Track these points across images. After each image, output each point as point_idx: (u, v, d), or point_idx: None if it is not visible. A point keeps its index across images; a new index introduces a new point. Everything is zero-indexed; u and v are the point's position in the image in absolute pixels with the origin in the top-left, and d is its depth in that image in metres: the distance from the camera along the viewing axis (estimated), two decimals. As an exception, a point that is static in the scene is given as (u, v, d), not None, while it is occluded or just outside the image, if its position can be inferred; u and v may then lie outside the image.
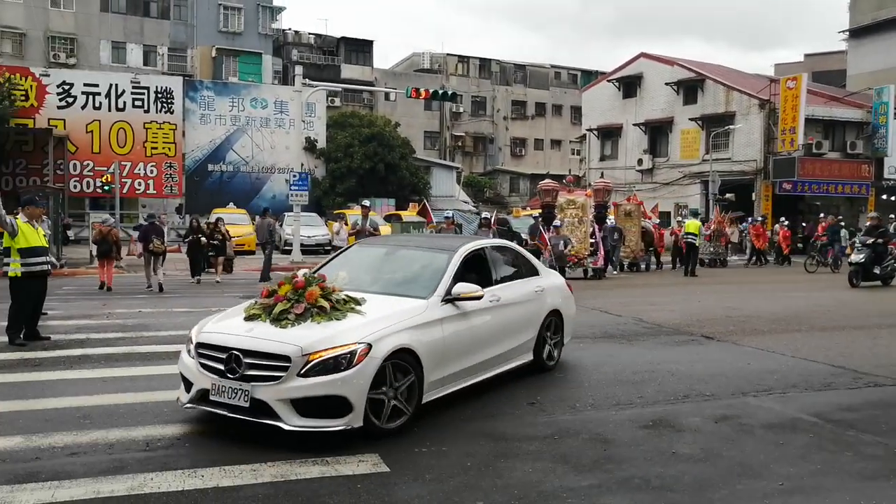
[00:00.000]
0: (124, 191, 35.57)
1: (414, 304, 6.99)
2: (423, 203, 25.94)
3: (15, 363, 9.19)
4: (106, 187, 31.98)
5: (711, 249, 29.15)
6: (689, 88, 42.95)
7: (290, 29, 59.66)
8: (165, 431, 6.51)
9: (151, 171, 38.69)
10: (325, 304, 6.63)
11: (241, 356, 6.17)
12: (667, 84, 43.50)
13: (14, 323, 10.50)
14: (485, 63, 65.82)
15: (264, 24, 53.64)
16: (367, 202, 18.42)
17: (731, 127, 39.22)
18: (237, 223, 29.61)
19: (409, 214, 32.30)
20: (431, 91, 29.13)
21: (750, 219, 31.74)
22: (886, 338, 12.11)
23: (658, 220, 30.34)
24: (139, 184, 38.41)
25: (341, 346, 6.16)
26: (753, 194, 39.24)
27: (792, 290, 19.80)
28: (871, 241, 21.00)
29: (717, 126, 40.15)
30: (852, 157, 40.09)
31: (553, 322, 9.15)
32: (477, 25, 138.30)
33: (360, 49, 59.51)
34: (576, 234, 23.05)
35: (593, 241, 23.47)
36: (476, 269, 8.09)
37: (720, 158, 39.36)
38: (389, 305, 6.93)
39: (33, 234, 10.58)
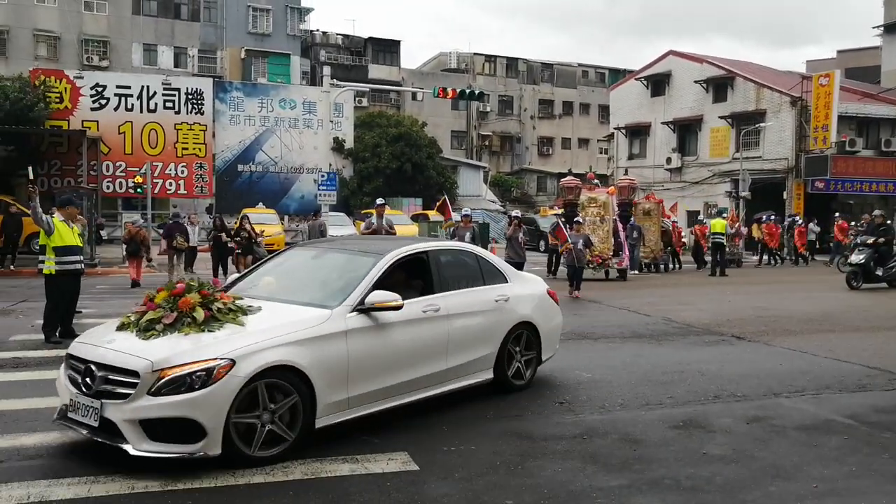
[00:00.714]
0: (156, 191, 35.83)
1: (312, 315, 6.18)
2: (443, 199, 25.57)
3: (52, 360, 9.29)
4: (138, 188, 32.35)
5: (728, 249, 27.95)
6: (719, 86, 42.52)
7: (317, 30, 59.91)
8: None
9: (182, 172, 39.12)
10: (201, 313, 5.93)
11: (95, 370, 5.60)
12: (696, 82, 43.11)
13: (50, 321, 10.73)
14: (512, 62, 65.66)
15: (292, 25, 53.90)
16: (382, 200, 17.73)
17: (761, 125, 38.77)
18: (266, 223, 29.75)
19: (437, 214, 32.30)
20: (458, 90, 29.13)
21: (764, 217, 31.09)
22: (922, 338, 11.93)
23: (677, 219, 29.73)
24: (170, 184, 38.82)
25: (198, 361, 5.45)
26: (785, 193, 38.77)
27: (825, 290, 19.54)
28: (872, 240, 20.08)
29: (747, 124, 39.70)
30: (887, 154, 39.38)
31: (524, 336, 8.07)
32: (502, 25, 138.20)
33: (388, 49, 59.60)
34: (597, 233, 22.38)
35: (617, 240, 22.96)
36: (416, 275, 7.43)
37: (750, 157, 38.92)
38: (282, 316, 6.19)
39: (69, 233, 10.78)
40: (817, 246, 32.21)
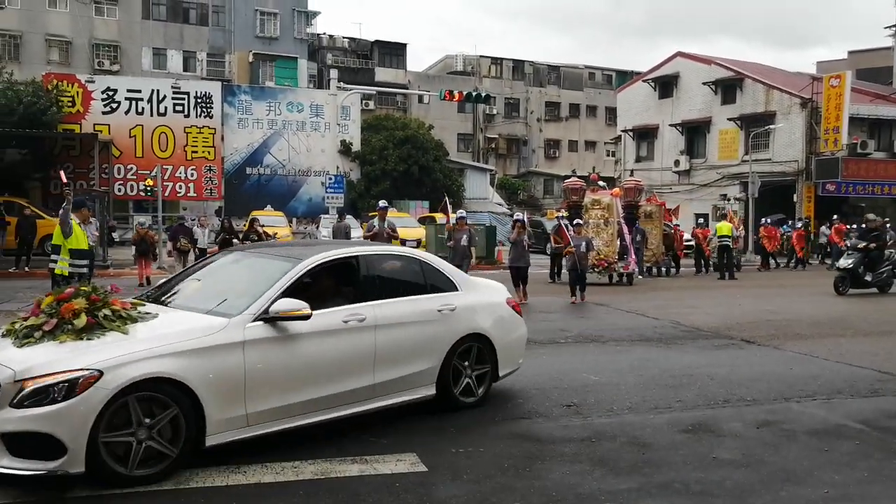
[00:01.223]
0: (166, 194, 36.12)
1: (207, 324, 5.77)
2: (444, 200, 25.31)
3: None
4: (148, 191, 32.59)
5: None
6: (728, 88, 42.40)
7: (324, 33, 60.00)
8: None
9: (192, 175, 39.29)
10: (83, 320, 5.55)
11: None
12: (704, 83, 43.00)
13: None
14: (518, 65, 65.65)
15: (300, 28, 54.03)
16: (384, 203, 17.10)
17: (771, 127, 38.62)
18: (275, 225, 29.84)
19: (443, 216, 32.25)
20: (465, 93, 29.14)
21: (764, 220, 30.79)
22: (933, 341, 11.85)
23: (678, 222, 29.18)
24: (180, 187, 39.04)
25: (62, 371, 5.06)
26: (795, 196, 38.60)
27: (833, 294, 19.39)
28: (863, 245, 19.19)
29: (756, 126, 39.54)
30: (900, 157, 39.17)
31: (475, 349, 7.43)
32: (507, 28, 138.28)
33: (394, 52, 59.73)
34: (601, 236, 21.78)
35: (623, 243, 22.29)
36: (345, 282, 6.95)
37: (760, 159, 38.75)
38: (174, 324, 5.83)
39: (82, 236, 11.02)
40: (828, 250, 31.93)
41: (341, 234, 21.43)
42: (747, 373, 9.33)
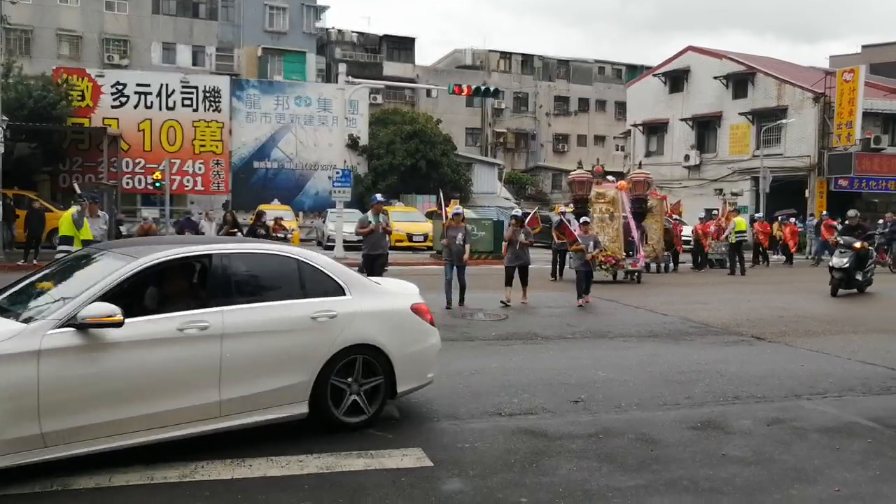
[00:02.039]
0: (174, 187, 36.28)
1: (1, 330, 5.17)
2: (439, 195, 24.92)
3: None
4: (156, 184, 32.69)
5: (723, 249, 26.49)
6: (739, 82, 42.13)
7: (333, 28, 60.00)
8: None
9: (199, 169, 39.43)
10: None
11: None
12: (715, 78, 42.73)
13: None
14: (527, 59, 65.46)
15: (308, 23, 54.08)
16: (380, 197, 15.89)
17: (783, 121, 38.37)
18: (283, 219, 29.85)
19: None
20: (473, 87, 28.95)
21: (757, 215, 30.38)
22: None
23: (679, 218, 28.57)
24: (188, 181, 39.19)
25: None
26: (807, 191, 38.35)
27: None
28: (859, 244, 17.92)
29: (768, 121, 39.28)
30: (914, 152, 38.75)
31: (362, 362, 6.46)
32: (515, 23, 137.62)
33: (402, 46, 59.66)
34: (606, 232, 20.51)
35: (630, 239, 21.30)
36: (187, 283, 6.37)
37: (771, 154, 38.49)
38: None
39: (88, 228, 11.88)
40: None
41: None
42: (757, 369, 9.23)
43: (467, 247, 14.84)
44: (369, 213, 15.11)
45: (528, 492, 5.11)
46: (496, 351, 10.31)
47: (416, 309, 6.99)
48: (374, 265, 14.35)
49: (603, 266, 19.52)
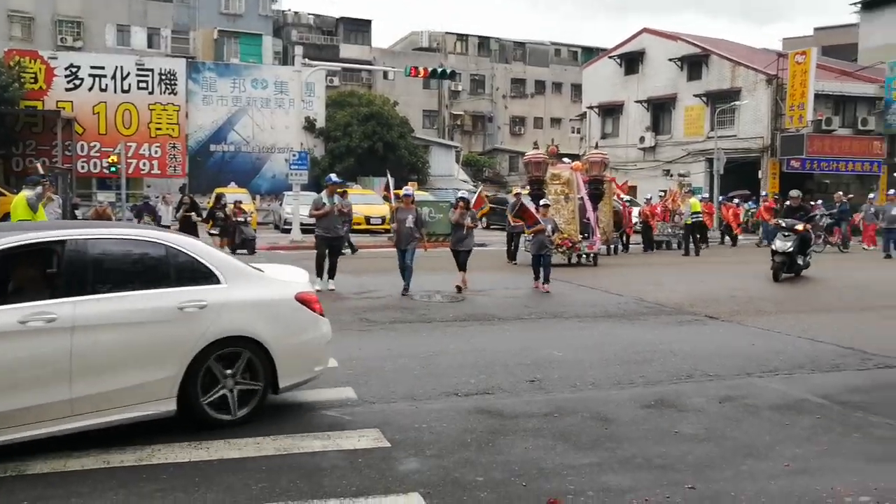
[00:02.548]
0: (129, 171, 35.95)
1: None
2: (387, 177, 24.67)
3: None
4: (112, 168, 32.23)
5: (669, 230, 26.79)
6: (694, 64, 42.48)
7: (289, 10, 59.53)
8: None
9: (156, 152, 39.03)
10: None
11: None
12: (670, 60, 43.05)
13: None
14: (484, 41, 65.43)
15: (264, 5, 53.45)
16: (334, 177, 15.27)
17: (736, 103, 38.84)
18: (242, 202, 29.59)
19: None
20: (430, 69, 28.89)
21: (701, 196, 30.44)
22: None
23: (628, 199, 28.57)
24: (144, 164, 38.81)
25: None
26: (760, 172, 38.91)
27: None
28: (801, 226, 17.18)
29: (722, 102, 39.73)
30: (864, 133, 39.36)
31: (239, 357, 6.08)
32: (472, 4, 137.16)
33: (359, 28, 59.40)
34: (561, 214, 20.11)
35: (586, 220, 20.74)
36: (34, 272, 5.94)
37: (725, 136, 38.96)
38: None
39: (43, 213, 11.63)
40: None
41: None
42: (710, 348, 9.38)
43: (423, 230, 14.39)
44: (323, 194, 14.41)
45: (484, 470, 5.15)
46: (454, 332, 10.35)
47: (301, 298, 6.49)
48: (330, 249, 14.11)
49: (560, 249, 19.17)
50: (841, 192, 29.77)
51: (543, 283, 14.76)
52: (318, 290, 12.15)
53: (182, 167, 39.74)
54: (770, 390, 7.39)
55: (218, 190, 27.64)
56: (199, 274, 6.07)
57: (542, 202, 16.92)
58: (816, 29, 56.44)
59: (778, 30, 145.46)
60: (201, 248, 6.37)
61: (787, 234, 17.16)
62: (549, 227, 15.44)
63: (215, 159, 42.09)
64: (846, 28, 51.13)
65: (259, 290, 6.35)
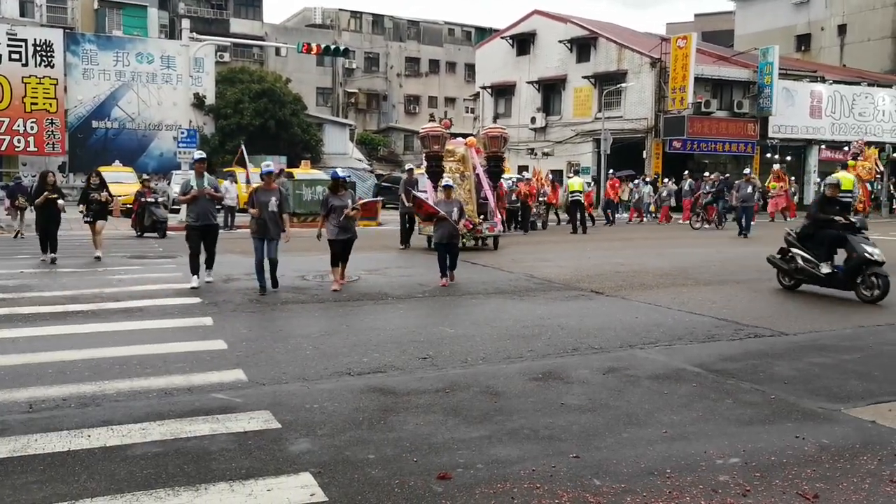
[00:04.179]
0: (3, 148, 34.23)
1: None
2: (240, 151, 24.11)
3: None
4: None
5: (534, 210, 26.88)
6: (583, 46, 43.40)
7: (176, -20, 57.49)
8: (50, 393, 6.32)
9: (32, 128, 37.23)
10: None
11: None
12: (560, 42, 43.82)
13: None
14: (378, 19, 65.05)
15: (149, -26, 51.52)
16: (200, 154, 13.22)
17: (622, 85, 39.96)
18: (123, 181, 28.62)
19: (302, 171, 31.75)
20: (323, 46, 28.58)
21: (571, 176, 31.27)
22: (766, 292, 12.63)
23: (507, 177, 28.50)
24: (18, 140, 36.96)
25: None
26: (644, 152, 40.15)
27: (677, 247, 20.43)
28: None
29: (609, 84, 40.81)
30: (739, 115, 41.16)
31: None
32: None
33: (250, 3, 58.01)
34: (457, 194, 16.77)
35: (483, 200, 20.15)
36: None
37: (612, 117, 40.07)
38: None
39: None
40: (673, 204, 33.33)
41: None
42: (595, 322, 9.70)
43: (285, 216, 12.08)
44: (192, 176, 12.57)
45: (376, 448, 5.18)
46: (347, 312, 10.35)
47: None
48: (204, 239, 12.29)
49: (463, 235, 17.10)
50: (717, 173, 31.01)
51: (449, 275, 13.05)
52: (194, 288, 11.88)
53: (62, 144, 38.10)
54: (650, 361, 7.70)
55: (101, 169, 26.63)
56: None
57: (443, 183, 15.44)
58: (697, 15, 58.60)
59: (661, 14, 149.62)
60: None
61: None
62: (454, 212, 13.41)
63: (98, 136, 40.52)
64: (724, 15, 53.25)
65: None
